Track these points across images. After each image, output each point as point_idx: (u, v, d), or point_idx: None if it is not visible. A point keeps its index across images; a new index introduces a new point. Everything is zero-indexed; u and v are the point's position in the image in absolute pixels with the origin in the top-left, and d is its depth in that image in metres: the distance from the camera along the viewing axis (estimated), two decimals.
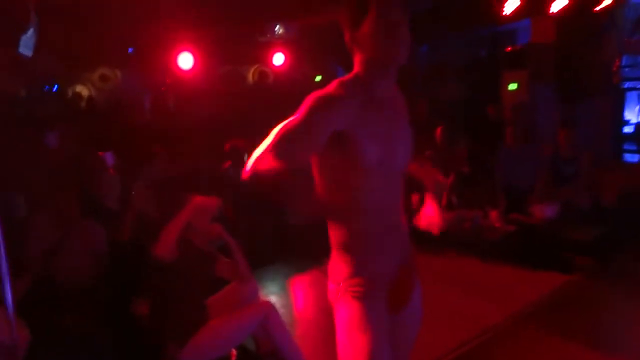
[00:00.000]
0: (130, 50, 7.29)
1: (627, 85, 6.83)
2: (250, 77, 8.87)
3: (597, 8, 5.29)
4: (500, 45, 7.01)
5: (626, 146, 6.37)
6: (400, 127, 1.58)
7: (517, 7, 5.06)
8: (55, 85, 7.72)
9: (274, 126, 1.45)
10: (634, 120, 6.90)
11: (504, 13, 5.15)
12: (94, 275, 3.22)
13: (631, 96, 7.09)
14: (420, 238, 4.93)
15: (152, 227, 2.72)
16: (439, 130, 5.61)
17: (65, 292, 3.06)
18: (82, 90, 7.88)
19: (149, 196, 3.88)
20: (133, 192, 3.71)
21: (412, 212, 5.20)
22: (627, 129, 6.51)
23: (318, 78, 8.62)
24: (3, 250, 1.82)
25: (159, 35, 6.07)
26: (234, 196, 4.68)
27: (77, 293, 3.08)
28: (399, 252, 1.57)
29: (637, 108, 7.13)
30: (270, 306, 2.72)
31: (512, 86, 6.47)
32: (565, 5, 5.14)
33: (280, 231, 4.84)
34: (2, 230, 1.82)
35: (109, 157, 4.79)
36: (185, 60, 6.36)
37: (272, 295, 4.08)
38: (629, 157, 6.28)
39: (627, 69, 6.77)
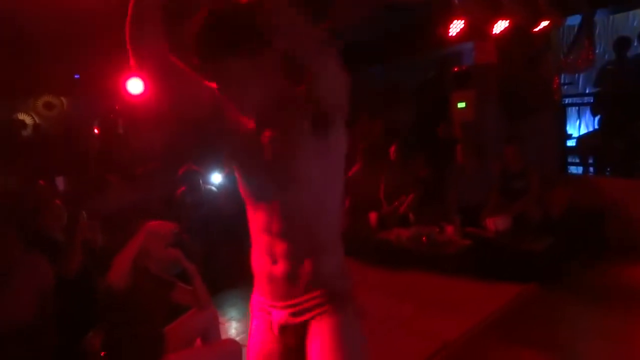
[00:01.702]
0: (76, 76, 7.08)
1: (567, 101, 7.20)
2: None
3: (535, 29, 5.58)
4: (448, 67, 7.26)
5: (570, 159, 6.67)
6: None
7: (462, 30, 5.26)
8: None
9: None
10: (575, 134, 7.25)
11: (449, 35, 5.35)
12: (41, 313, 3.03)
13: (571, 112, 7.47)
14: (378, 255, 4.96)
15: (102, 258, 2.61)
16: (393, 148, 5.70)
17: (10, 332, 2.86)
18: (25, 118, 7.56)
19: (96, 226, 3.71)
20: (78, 224, 3.54)
21: (371, 230, 5.25)
22: (570, 143, 6.82)
23: None
24: None
25: (106, 61, 5.93)
26: (190, 221, 4.57)
27: (23, 332, 2.89)
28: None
29: (578, 123, 7.51)
30: (236, 348, 2.61)
31: (461, 105, 6.67)
32: (506, 27, 5.39)
33: (239, 255, 4.74)
34: None
35: (59, 182, 4.59)
36: (135, 86, 6.22)
37: (233, 320, 3.97)
38: (574, 169, 6.57)
39: (566, 86, 7.15)
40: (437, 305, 3.94)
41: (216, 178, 5.52)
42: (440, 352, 3.19)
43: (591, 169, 6.37)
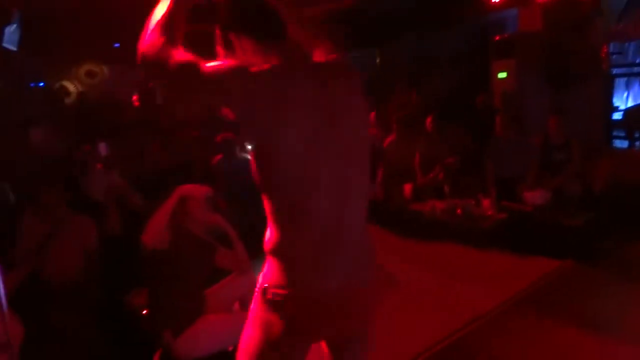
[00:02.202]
0: (116, 45, 7.20)
1: (615, 71, 6.87)
2: None
3: None
4: (489, 35, 7.02)
5: (615, 132, 6.41)
6: None
7: None
8: (42, 82, 7.61)
9: None
10: (622, 106, 6.94)
11: (492, 1, 5.15)
12: (86, 270, 3.18)
13: (619, 83, 7.13)
14: (412, 226, 4.92)
15: (142, 219, 2.69)
16: (429, 119, 5.61)
17: (56, 289, 3.02)
18: (69, 86, 7.79)
19: (128, 186, 3.84)
20: (110, 185, 3.69)
21: (405, 202, 5.23)
22: (616, 116, 6.54)
23: None
24: None
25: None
26: (226, 188, 4.65)
27: (68, 289, 3.05)
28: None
29: (625, 95, 7.18)
30: None
31: (502, 75, 6.48)
32: None
33: None
34: None
35: (102, 148, 4.75)
36: None
37: None
38: (619, 143, 6.32)
39: (614, 56, 6.81)
40: (469, 277, 3.92)
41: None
42: (471, 324, 3.20)
43: (637, 143, 6.11)
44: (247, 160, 5.22)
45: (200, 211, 2.61)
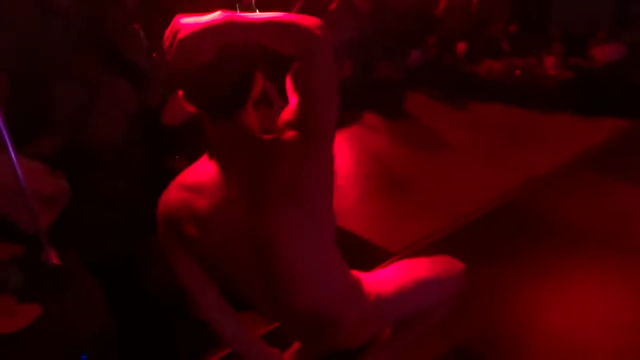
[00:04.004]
0: None
1: None
2: None
3: None
4: None
5: None
6: None
7: None
8: None
9: None
10: None
11: None
12: (129, 135, 3.17)
13: None
14: (467, 86, 4.65)
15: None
16: None
17: (99, 153, 3.04)
18: None
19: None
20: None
21: (459, 61, 4.85)
22: None
23: None
24: None
25: None
26: None
27: (111, 154, 3.07)
28: None
29: None
30: None
31: None
32: None
33: None
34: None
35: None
36: None
37: None
38: None
39: None
40: (526, 140, 3.71)
41: None
42: (526, 185, 3.06)
43: None
44: None
45: None
